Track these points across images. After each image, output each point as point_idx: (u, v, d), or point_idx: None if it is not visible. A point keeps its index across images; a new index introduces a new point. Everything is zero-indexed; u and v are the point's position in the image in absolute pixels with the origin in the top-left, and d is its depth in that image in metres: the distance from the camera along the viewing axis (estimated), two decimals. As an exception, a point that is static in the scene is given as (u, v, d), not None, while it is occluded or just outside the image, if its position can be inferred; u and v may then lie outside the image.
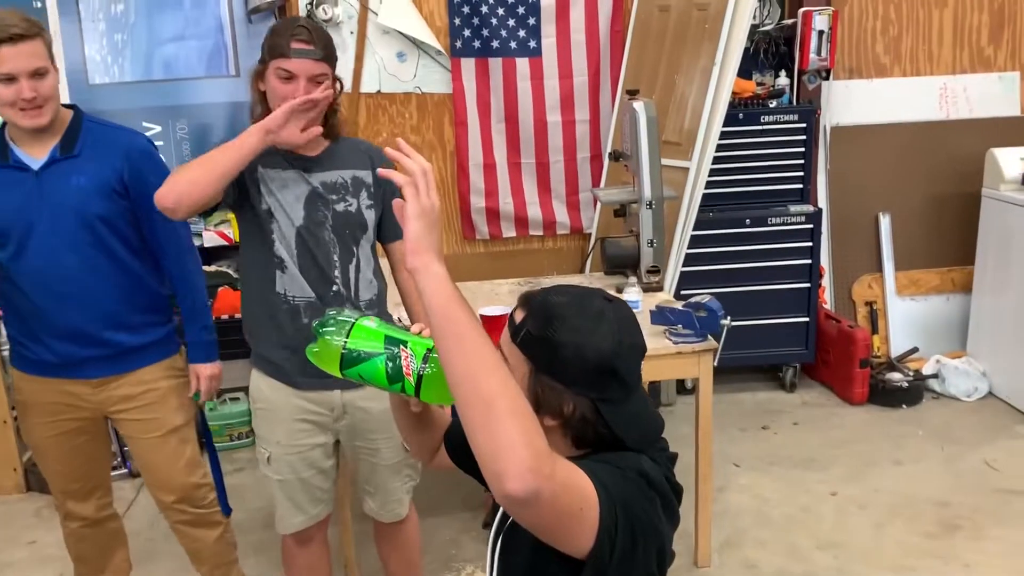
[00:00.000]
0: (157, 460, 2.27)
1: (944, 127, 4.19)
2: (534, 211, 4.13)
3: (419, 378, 1.27)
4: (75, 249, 2.09)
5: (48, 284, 2.09)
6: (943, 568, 2.74)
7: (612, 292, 3.14)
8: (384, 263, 2.20)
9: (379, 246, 2.19)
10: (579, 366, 1.18)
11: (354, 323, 1.30)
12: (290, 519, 2.17)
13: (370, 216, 2.08)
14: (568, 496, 1.04)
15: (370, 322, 1.31)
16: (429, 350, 1.27)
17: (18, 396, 2.27)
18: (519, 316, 1.23)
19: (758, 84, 3.97)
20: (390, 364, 1.28)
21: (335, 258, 2.04)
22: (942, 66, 4.18)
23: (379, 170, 1.15)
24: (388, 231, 2.15)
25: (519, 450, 0.98)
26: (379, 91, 3.91)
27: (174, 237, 2.21)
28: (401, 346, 1.28)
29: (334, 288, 2.04)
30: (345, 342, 1.29)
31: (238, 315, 3.04)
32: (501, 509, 1.33)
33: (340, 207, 2.04)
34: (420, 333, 1.30)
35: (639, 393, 1.25)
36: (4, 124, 2.10)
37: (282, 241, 2.02)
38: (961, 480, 3.25)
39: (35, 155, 2.08)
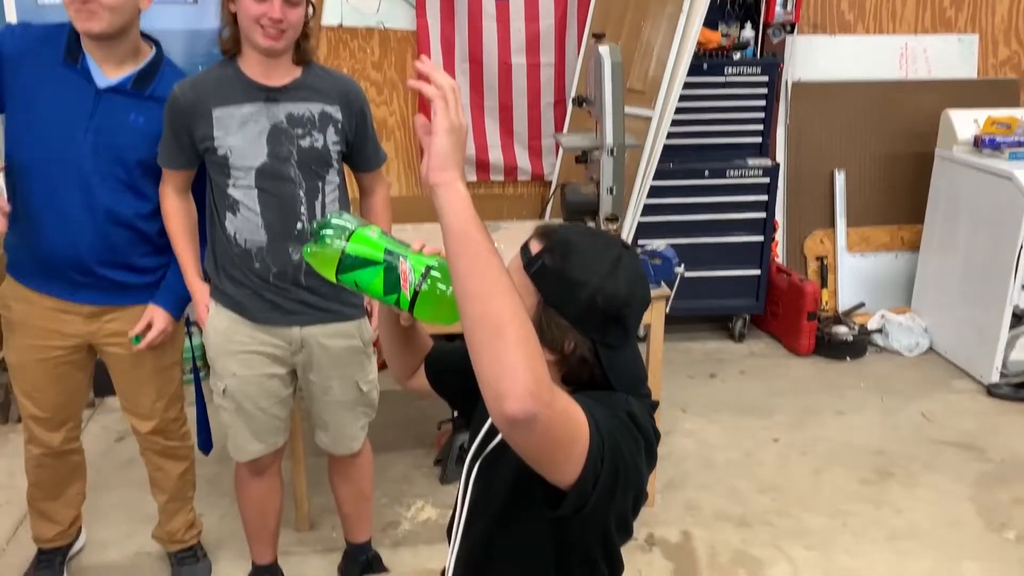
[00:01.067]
0: (140, 394, 2.26)
1: (902, 87, 4.25)
2: (496, 155, 4.11)
3: (415, 294, 1.27)
4: (105, 180, 2.03)
5: (64, 205, 2.02)
6: (875, 512, 2.86)
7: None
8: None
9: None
10: (590, 307, 1.20)
11: (355, 229, 1.30)
12: (247, 447, 2.17)
13: (335, 152, 2.05)
14: (563, 426, 1.05)
15: (371, 231, 1.31)
16: (428, 267, 1.27)
17: (5, 312, 2.19)
18: (535, 247, 1.24)
19: (723, 35, 3.97)
20: (388, 275, 1.27)
21: (300, 194, 2.01)
22: (904, 25, 4.22)
23: (409, 81, 1.13)
24: (361, 160, 2.13)
25: (522, 374, 0.98)
26: (341, 25, 3.82)
27: (198, 194, 2.16)
28: (400, 259, 1.27)
29: (299, 225, 2.01)
30: (344, 247, 1.28)
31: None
32: (479, 438, 1.36)
33: (305, 142, 2.00)
34: (420, 250, 1.30)
35: (634, 342, 1.29)
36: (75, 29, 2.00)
37: (239, 182, 1.99)
38: (898, 431, 3.37)
39: (107, 73, 2.01)
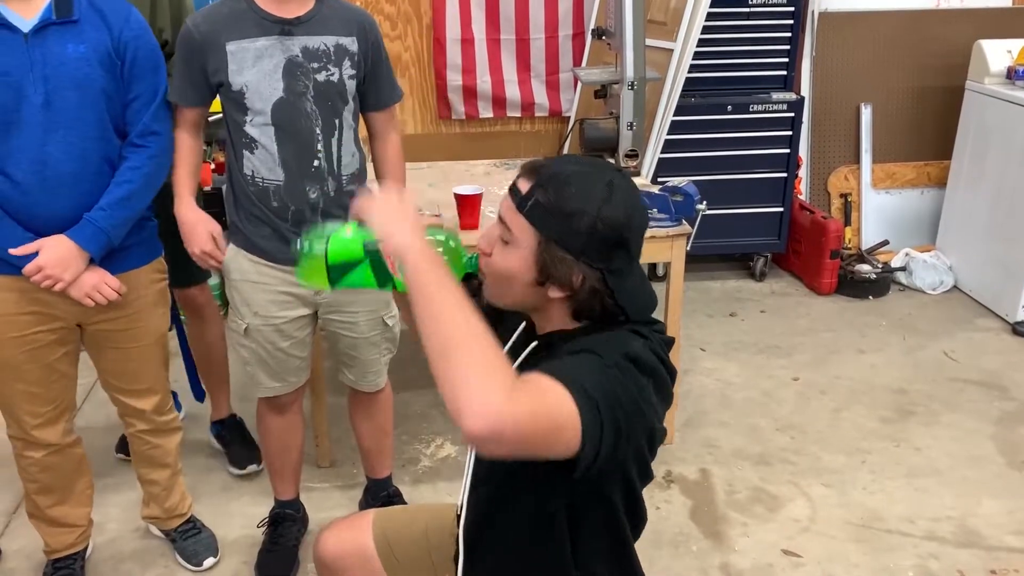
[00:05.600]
0: (141, 369, 2.10)
1: (934, 16, 4.10)
2: (512, 91, 4.03)
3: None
4: (72, 127, 1.83)
5: (35, 168, 1.82)
6: (895, 450, 2.85)
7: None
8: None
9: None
10: (592, 235, 1.17)
11: (330, 236, 1.30)
12: (267, 384, 2.18)
13: (351, 87, 2.00)
14: (536, 424, 1.02)
15: (345, 231, 1.31)
16: None
17: None
18: (525, 186, 1.21)
19: (748, -37, 3.83)
20: (376, 268, 1.29)
21: (317, 131, 1.97)
22: (937, -49, 4.06)
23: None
24: (375, 97, 2.08)
25: (476, 392, 0.97)
26: (353, -44, 3.72)
27: (158, 134, 1.96)
28: (381, 246, 1.27)
29: (315, 163, 1.98)
30: (326, 258, 1.29)
31: (206, 187, 3.00)
32: None
33: (321, 76, 1.95)
34: None
35: (638, 266, 1.27)
36: None
37: (255, 119, 1.95)
38: (919, 369, 3.34)
39: (22, 14, 1.78)
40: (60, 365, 2.01)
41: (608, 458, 1.11)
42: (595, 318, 1.24)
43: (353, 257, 1.28)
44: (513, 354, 1.32)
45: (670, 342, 1.30)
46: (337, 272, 1.29)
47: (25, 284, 1.88)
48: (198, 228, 2.03)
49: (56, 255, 1.84)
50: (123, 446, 2.69)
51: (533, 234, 1.19)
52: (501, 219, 1.24)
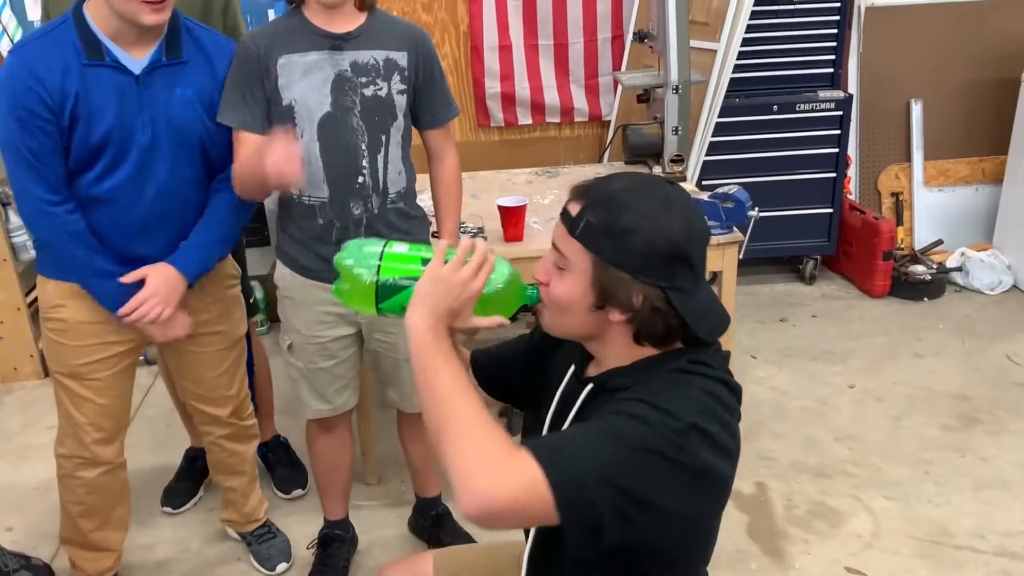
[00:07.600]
0: (217, 373, 2.12)
1: (987, 7, 3.96)
2: (551, 96, 3.98)
3: None
4: (173, 169, 1.86)
5: (135, 206, 1.86)
6: (960, 461, 2.74)
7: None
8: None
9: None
10: (649, 253, 1.13)
11: (383, 251, 1.21)
12: (314, 406, 2.16)
13: (401, 102, 1.95)
14: (531, 500, 1.03)
15: (399, 247, 1.23)
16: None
17: (55, 315, 1.94)
18: (575, 208, 1.17)
19: (791, -41, 3.73)
20: None
21: (363, 147, 1.93)
22: (989, -62, 3.92)
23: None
24: (424, 117, 2.02)
25: (469, 476, 1.02)
26: (389, -35, 3.70)
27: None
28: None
29: (360, 179, 1.94)
30: (377, 274, 1.20)
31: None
32: (550, 414, 1.30)
33: (369, 91, 1.92)
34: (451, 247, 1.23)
35: (706, 283, 1.21)
36: (79, 12, 1.77)
37: (304, 134, 1.91)
38: (981, 374, 3.22)
39: (134, 55, 1.80)
40: (124, 377, 2.03)
41: (619, 538, 1.06)
42: (657, 340, 1.18)
43: (409, 273, 1.20)
44: (564, 403, 1.28)
45: (727, 357, 1.25)
46: (388, 291, 1.20)
47: None
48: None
49: (165, 285, 1.88)
50: (168, 499, 2.66)
51: (588, 257, 1.15)
52: (555, 245, 1.20)
